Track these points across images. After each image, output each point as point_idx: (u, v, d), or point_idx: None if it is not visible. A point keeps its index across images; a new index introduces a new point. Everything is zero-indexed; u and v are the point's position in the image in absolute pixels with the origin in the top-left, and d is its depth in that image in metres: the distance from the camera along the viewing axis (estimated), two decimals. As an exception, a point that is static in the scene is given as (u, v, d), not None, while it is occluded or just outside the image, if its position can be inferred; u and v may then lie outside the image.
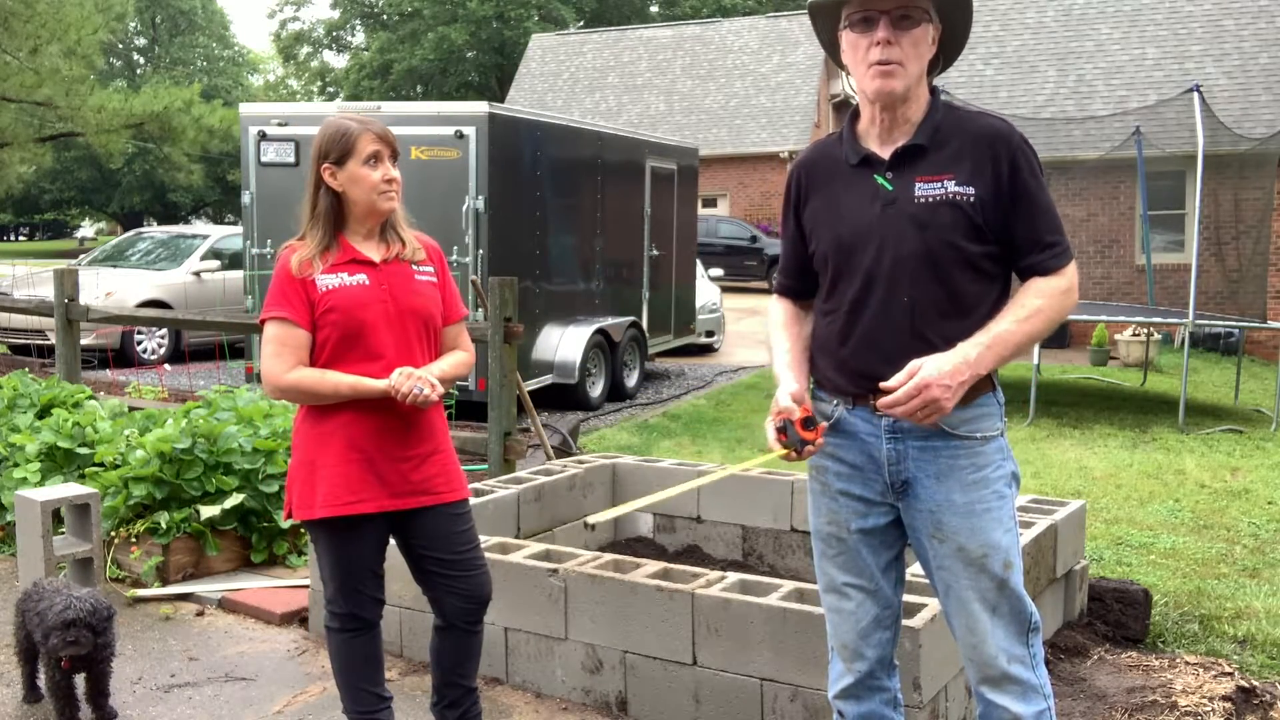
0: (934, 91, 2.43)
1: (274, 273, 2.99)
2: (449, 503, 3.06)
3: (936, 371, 2.25)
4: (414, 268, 3.10)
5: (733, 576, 3.63)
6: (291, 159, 9.16)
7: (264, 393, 2.98)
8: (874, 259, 2.38)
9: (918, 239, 2.35)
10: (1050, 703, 2.44)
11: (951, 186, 2.34)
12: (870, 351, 2.40)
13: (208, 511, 4.90)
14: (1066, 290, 2.36)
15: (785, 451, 2.41)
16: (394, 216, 3.12)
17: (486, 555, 3.90)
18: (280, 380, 2.92)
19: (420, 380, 2.90)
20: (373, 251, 3.05)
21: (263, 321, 2.96)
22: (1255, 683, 3.80)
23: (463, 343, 3.22)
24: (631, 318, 10.98)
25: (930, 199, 2.35)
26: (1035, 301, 2.34)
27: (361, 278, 2.98)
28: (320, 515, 2.94)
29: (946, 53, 2.46)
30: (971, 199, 2.34)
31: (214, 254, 13.43)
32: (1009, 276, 2.45)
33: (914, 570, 3.69)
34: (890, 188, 2.39)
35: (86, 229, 57.77)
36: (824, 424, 2.45)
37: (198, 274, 13.12)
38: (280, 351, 2.92)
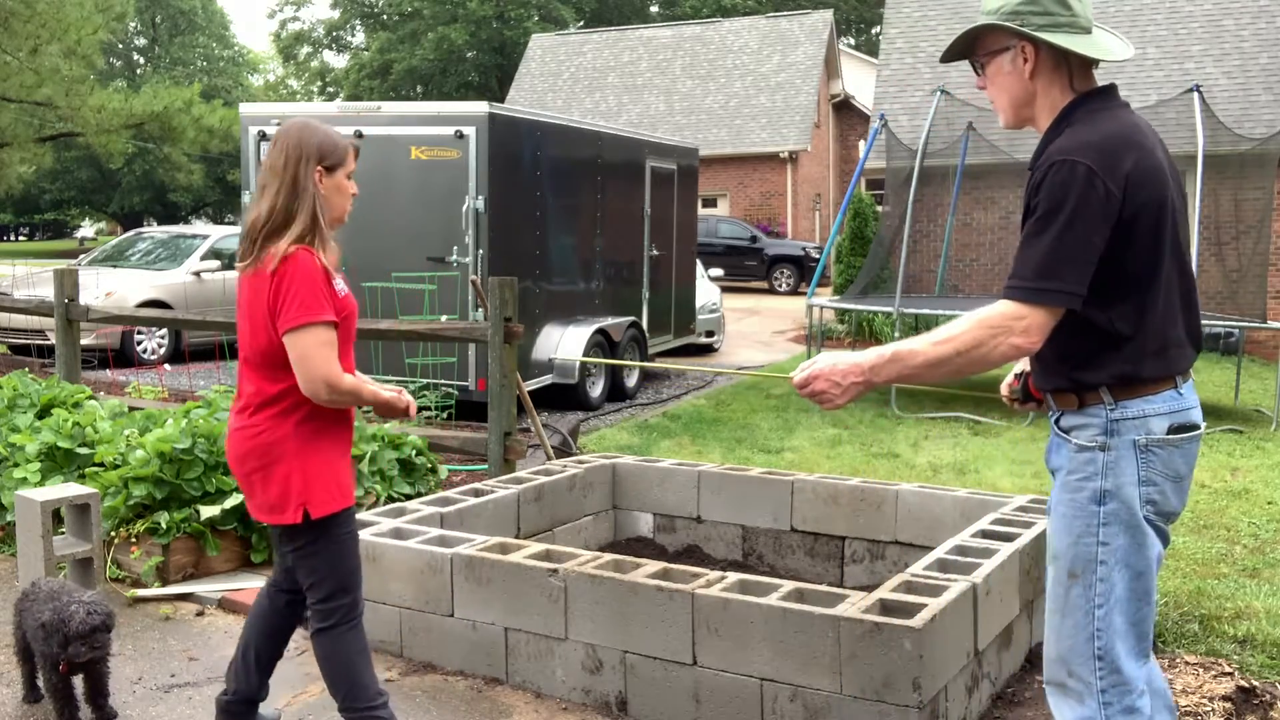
0: (1071, 106, 2.43)
1: (301, 274, 2.93)
2: None
3: (829, 366, 2.45)
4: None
5: (733, 576, 3.63)
6: (291, 159, 9.15)
7: (312, 395, 2.95)
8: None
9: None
10: None
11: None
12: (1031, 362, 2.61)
13: (208, 511, 4.90)
14: (993, 327, 2.33)
15: (1009, 396, 2.78)
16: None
17: (486, 555, 3.91)
18: (342, 384, 2.95)
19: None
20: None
21: (306, 324, 2.90)
22: (1255, 683, 3.80)
23: None
24: (631, 318, 10.97)
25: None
26: (956, 327, 2.39)
27: (342, 284, 3.08)
28: (344, 505, 3.07)
29: (1077, 53, 2.43)
30: (1022, 221, 2.42)
31: (214, 254, 13.43)
32: (1110, 302, 2.37)
33: (914, 570, 3.69)
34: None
35: (86, 229, 57.73)
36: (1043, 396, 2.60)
37: (198, 274, 13.12)
38: (332, 356, 2.95)
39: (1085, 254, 2.29)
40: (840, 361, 2.44)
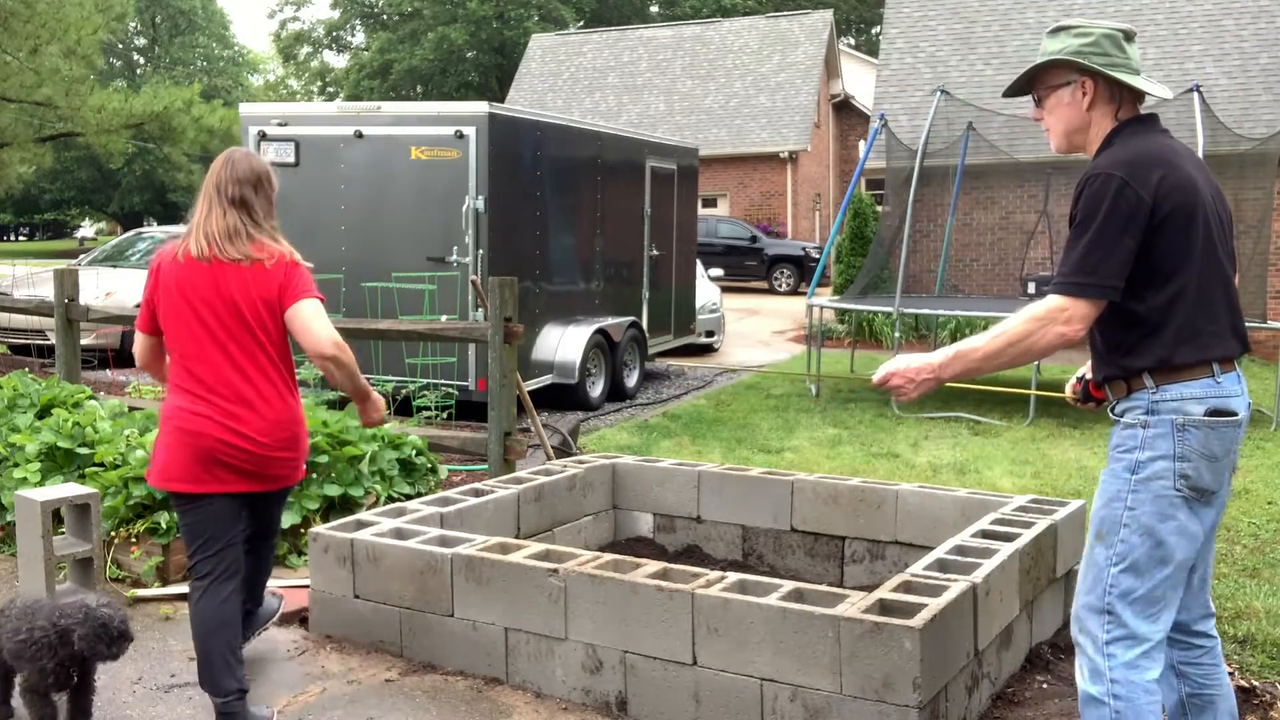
0: (1114, 132, 2.77)
1: (301, 267, 3.44)
2: None
3: (904, 365, 2.85)
4: None
5: (733, 576, 3.63)
6: (291, 159, 9.15)
7: (321, 348, 3.39)
8: None
9: None
10: (1113, 705, 2.63)
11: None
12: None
13: (208, 511, 4.90)
14: (1041, 319, 2.67)
15: (1072, 396, 3.15)
16: None
17: (486, 555, 3.91)
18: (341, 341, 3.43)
19: None
20: None
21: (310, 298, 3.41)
22: (1255, 683, 3.80)
23: None
24: (631, 318, 10.97)
25: None
26: (1009, 322, 2.73)
27: None
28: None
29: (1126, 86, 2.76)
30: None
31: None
32: (1145, 295, 2.68)
33: (914, 570, 3.69)
34: None
35: (86, 229, 57.69)
36: (1101, 391, 2.89)
37: (198, 274, 13.09)
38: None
39: (1119, 252, 2.62)
40: (914, 361, 2.84)
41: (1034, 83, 2.88)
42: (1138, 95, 2.78)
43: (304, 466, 3.64)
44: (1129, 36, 2.79)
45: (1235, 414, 2.71)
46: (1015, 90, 2.94)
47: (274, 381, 3.44)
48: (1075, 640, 2.78)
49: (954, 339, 15.02)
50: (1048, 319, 2.66)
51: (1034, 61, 2.87)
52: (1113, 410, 2.79)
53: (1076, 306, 2.64)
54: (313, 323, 3.36)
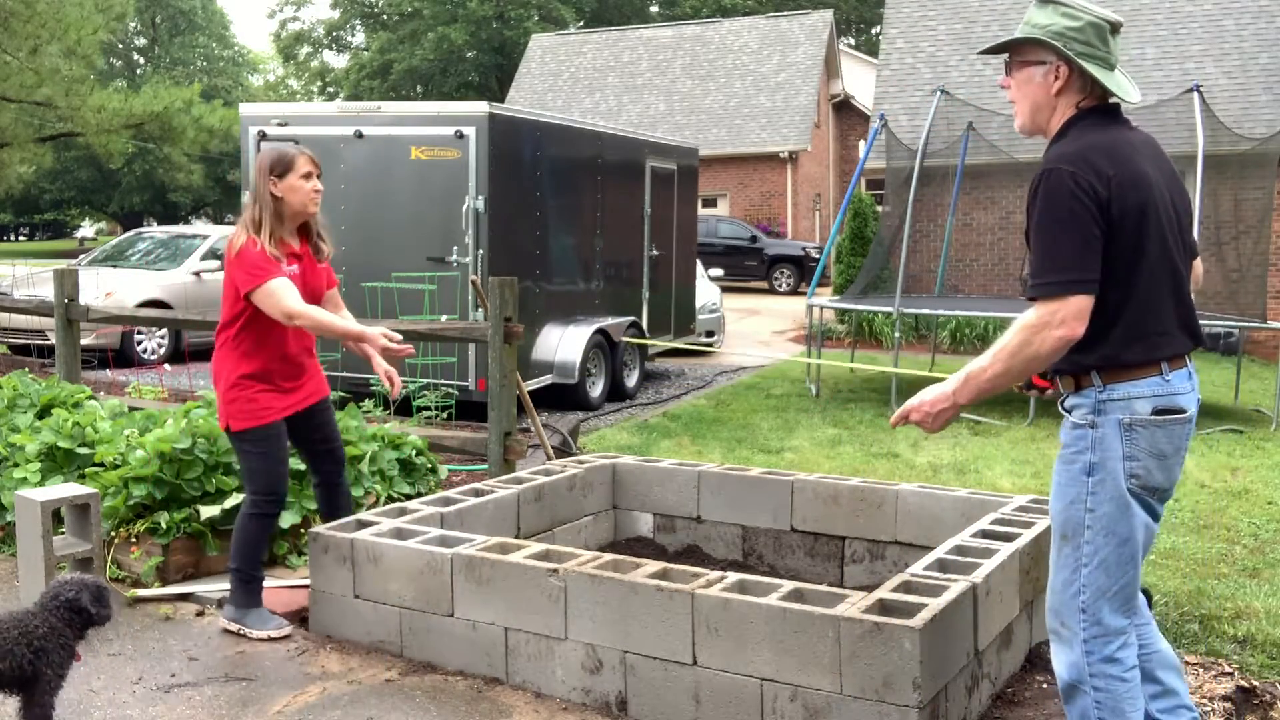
0: (1071, 121, 2.75)
1: (246, 256, 4.06)
2: None
3: (919, 401, 2.83)
4: (321, 254, 4.32)
5: (733, 576, 3.63)
6: (291, 159, 9.14)
7: (280, 317, 4.07)
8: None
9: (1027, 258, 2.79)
10: (1094, 696, 2.75)
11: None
12: None
13: (207, 511, 4.90)
14: (1033, 326, 2.63)
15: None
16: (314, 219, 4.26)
17: (486, 555, 3.91)
18: (297, 309, 4.00)
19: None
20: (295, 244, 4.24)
21: (262, 284, 4.01)
22: (1255, 683, 3.80)
23: (337, 298, 4.49)
24: (631, 318, 10.97)
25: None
26: (1006, 337, 2.69)
27: (293, 269, 4.15)
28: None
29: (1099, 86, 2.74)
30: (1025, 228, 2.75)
31: (214, 254, 13.42)
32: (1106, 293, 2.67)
33: (914, 570, 3.69)
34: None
35: (86, 229, 57.69)
36: (1052, 383, 2.89)
37: (198, 274, 13.12)
38: (292, 292, 4.02)
39: (1091, 245, 2.60)
40: (928, 394, 2.82)
41: (1010, 50, 2.84)
42: (1107, 91, 2.75)
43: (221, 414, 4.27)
44: (1115, 29, 2.76)
45: (1184, 411, 2.72)
46: (992, 50, 2.90)
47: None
48: (1053, 630, 2.84)
49: (954, 339, 15.05)
50: (1040, 325, 2.61)
51: (1018, 27, 2.82)
52: (1062, 404, 2.82)
53: (1066, 306, 2.59)
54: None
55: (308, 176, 4.11)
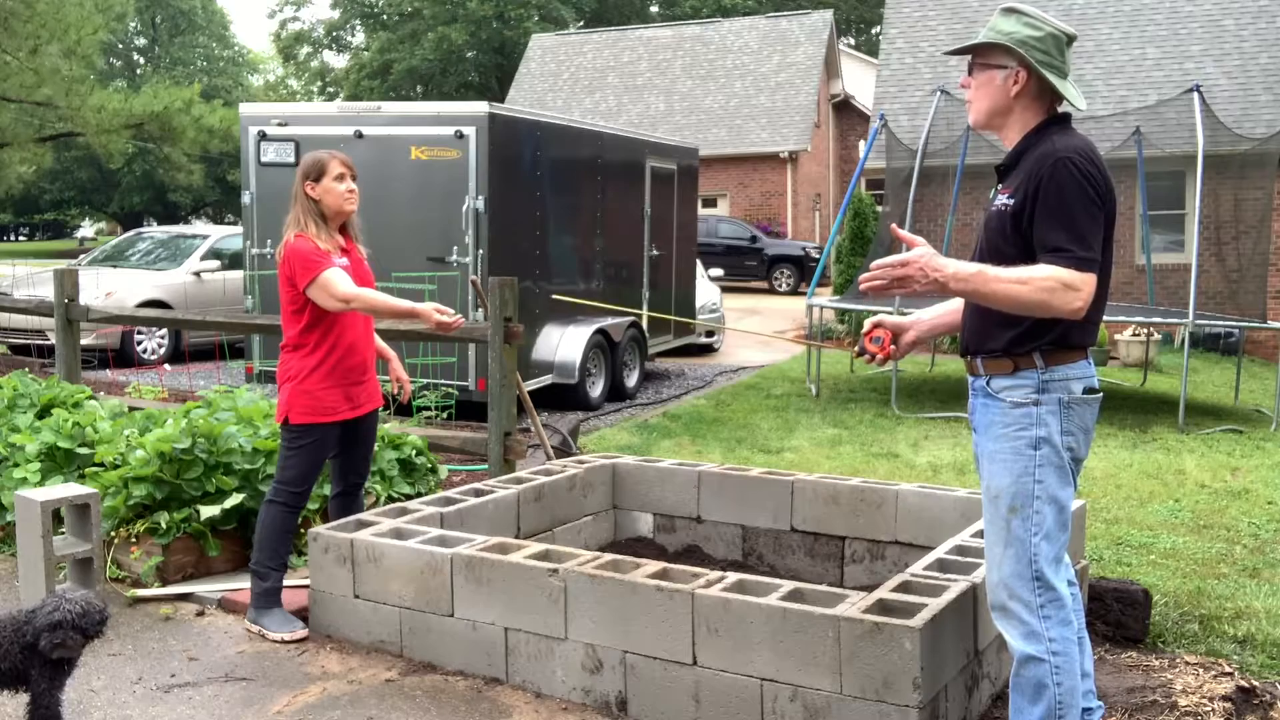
0: (1046, 124, 2.93)
1: (299, 252, 4.20)
2: None
3: (928, 257, 2.76)
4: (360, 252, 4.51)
5: (733, 576, 3.63)
6: (291, 159, 9.15)
7: (338, 304, 4.22)
8: (974, 249, 3.06)
9: (983, 237, 3.00)
10: (1052, 661, 2.89)
11: (1003, 199, 2.91)
12: (964, 323, 3.10)
13: (208, 511, 4.90)
14: (1067, 283, 2.71)
15: (862, 350, 3.28)
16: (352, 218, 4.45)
17: (486, 555, 3.91)
18: (352, 292, 4.18)
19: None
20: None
21: (317, 277, 4.16)
22: (1255, 683, 3.80)
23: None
24: (631, 318, 10.96)
25: (996, 207, 2.94)
26: (1032, 271, 2.75)
27: (344, 260, 4.34)
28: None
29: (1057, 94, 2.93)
30: (1008, 209, 2.87)
31: (214, 254, 13.42)
32: None
33: (914, 570, 3.69)
34: (993, 194, 3.07)
35: (86, 229, 57.67)
36: (888, 343, 3.25)
37: (198, 274, 13.11)
38: (345, 279, 4.20)
39: (1100, 230, 2.81)
40: (937, 258, 2.77)
41: (975, 52, 3.01)
42: (1059, 98, 2.94)
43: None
44: (1070, 41, 2.96)
45: (1099, 391, 2.99)
46: (956, 52, 3.07)
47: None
48: (1004, 607, 2.95)
49: (954, 339, 15.03)
50: (1072, 287, 2.70)
51: (983, 31, 2.98)
52: (987, 384, 2.96)
53: (1089, 285, 2.74)
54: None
55: (340, 178, 4.29)
